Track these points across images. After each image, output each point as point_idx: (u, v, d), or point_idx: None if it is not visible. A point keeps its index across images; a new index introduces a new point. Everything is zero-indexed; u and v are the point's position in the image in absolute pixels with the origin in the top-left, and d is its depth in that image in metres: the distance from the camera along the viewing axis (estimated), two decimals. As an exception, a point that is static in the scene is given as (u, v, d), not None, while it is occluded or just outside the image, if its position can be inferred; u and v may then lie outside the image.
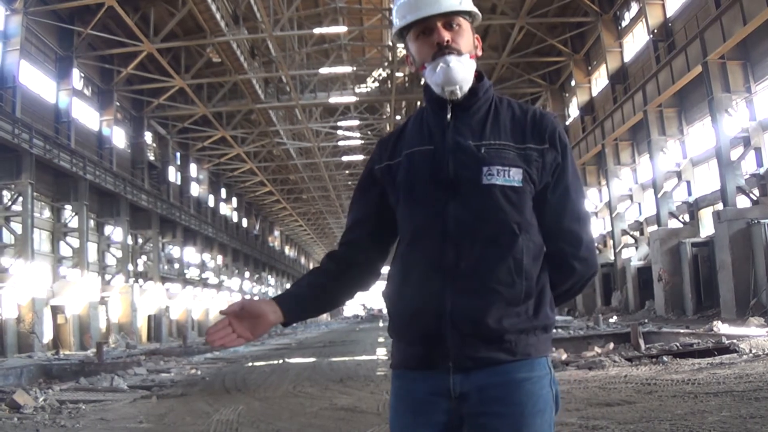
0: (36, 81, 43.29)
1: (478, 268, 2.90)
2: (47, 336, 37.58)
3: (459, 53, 3.04)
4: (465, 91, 3.06)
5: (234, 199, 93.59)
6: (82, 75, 50.52)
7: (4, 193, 38.83)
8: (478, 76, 3.14)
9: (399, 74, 58.98)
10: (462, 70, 3.02)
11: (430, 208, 3.01)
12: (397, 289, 3.10)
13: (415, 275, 3.01)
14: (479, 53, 3.17)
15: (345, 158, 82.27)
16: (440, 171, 3.01)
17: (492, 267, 2.89)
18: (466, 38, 3.09)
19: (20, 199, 37.77)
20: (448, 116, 3.09)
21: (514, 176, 2.93)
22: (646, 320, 32.56)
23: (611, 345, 21.19)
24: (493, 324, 2.85)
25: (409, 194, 3.08)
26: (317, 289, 3.27)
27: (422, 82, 3.40)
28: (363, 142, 77.03)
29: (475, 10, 3.13)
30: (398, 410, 3.12)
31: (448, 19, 3.07)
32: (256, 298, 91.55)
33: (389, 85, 58.92)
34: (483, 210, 2.93)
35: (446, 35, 3.05)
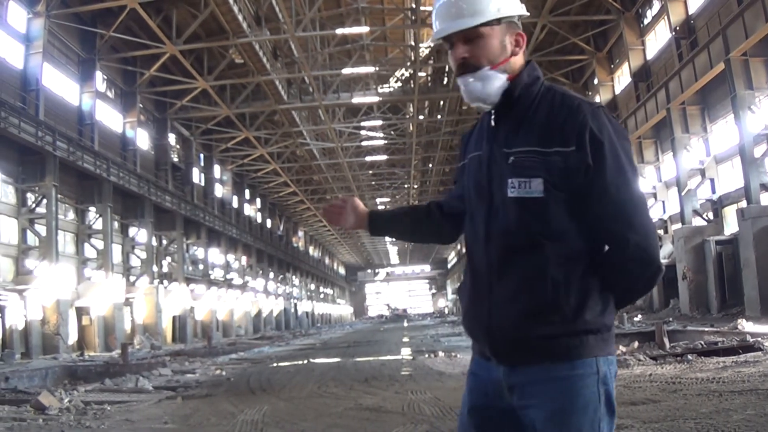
0: (59, 83, 43.47)
1: (509, 276, 3.01)
2: (72, 337, 37.81)
3: (476, 68, 3.10)
4: (494, 101, 3.14)
5: (258, 200, 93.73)
6: (105, 77, 50.70)
7: (29, 195, 38.95)
8: (519, 73, 3.17)
9: (422, 74, 59.09)
10: (480, 86, 3.11)
11: (475, 216, 3.18)
12: (462, 287, 3.31)
13: (469, 279, 3.23)
14: (517, 51, 3.19)
15: (368, 158, 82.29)
16: (482, 181, 3.15)
17: (520, 276, 2.98)
18: (489, 48, 3.12)
19: (44, 201, 37.98)
20: (493, 122, 3.18)
21: (534, 188, 2.97)
22: (670, 319, 32.43)
23: (636, 344, 21.14)
24: (523, 332, 2.95)
25: (468, 200, 3.28)
26: (417, 219, 3.66)
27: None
28: (386, 142, 77.09)
29: (499, 15, 3.13)
30: (467, 388, 3.31)
31: (466, 33, 3.11)
32: (281, 298, 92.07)
33: (412, 85, 58.84)
34: (509, 222, 3.02)
35: (463, 52, 3.12)
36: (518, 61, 3.19)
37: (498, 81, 3.11)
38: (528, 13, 3.35)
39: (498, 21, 3.12)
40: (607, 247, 3.04)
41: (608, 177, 2.95)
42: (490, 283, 3.04)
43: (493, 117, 3.17)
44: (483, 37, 3.10)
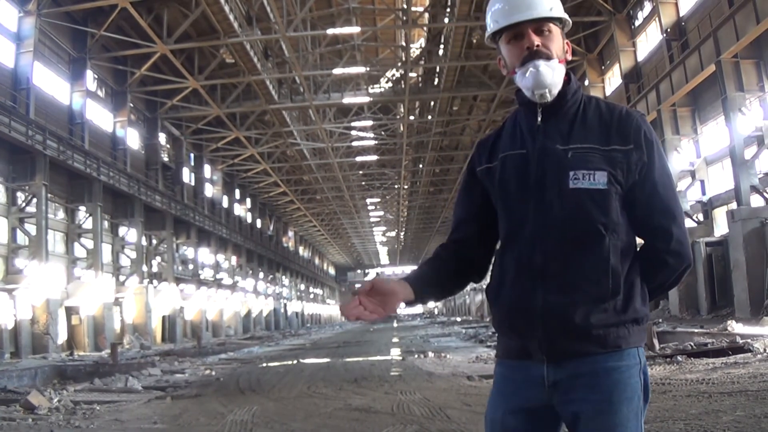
0: (49, 82, 43.41)
1: (566, 268, 3.05)
2: (62, 337, 37.75)
3: (548, 57, 3.16)
4: (554, 94, 3.18)
5: (248, 200, 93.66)
6: (96, 76, 50.62)
7: (19, 194, 38.89)
8: (567, 79, 3.25)
9: (412, 74, 59.02)
10: (551, 74, 3.14)
11: (520, 211, 3.17)
12: (495, 288, 3.26)
13: (510, 276, 3.19)
14: (569, 57, 3.31)
15: (359, 158, 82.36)
16: (530, 175, 3.15)
17: (579, 267, 3.03)
18: (557, 43, 3.22)
19: (34, 200, 37.92)
20: (539, 119, 3.21)
21: (599, 179, 3.04)
22: (660, 320, 32.53)
23: (625, 345, 21.13)
24: (580, 320, 2.99)
25: (505, 198, 3.25)
26: (438, 273, 3.44)
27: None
28: (377, 142, 77.23)
29: (565, 16, 3.28)
30: (495, 394, 3.30)
31: (539, 24, 3.19)
32: (271, 298, 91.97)
33: (403, 85, 58.76)
34: (570, 212, 3.06)
35: (536, 40, 3.17)
36: (564, 66, 3.27)
37: (562, 75, 3.21)
38: (570, 22, 3.41)
39: (561, 22, 3.27)
40: (642, 242, 3.18)
41: (657, 176, 3.10)
42: (543, 275, 3.07)
43: (539, 115, 3.22)
44: (552, 32, 3.22)
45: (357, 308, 3.09)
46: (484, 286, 3.46)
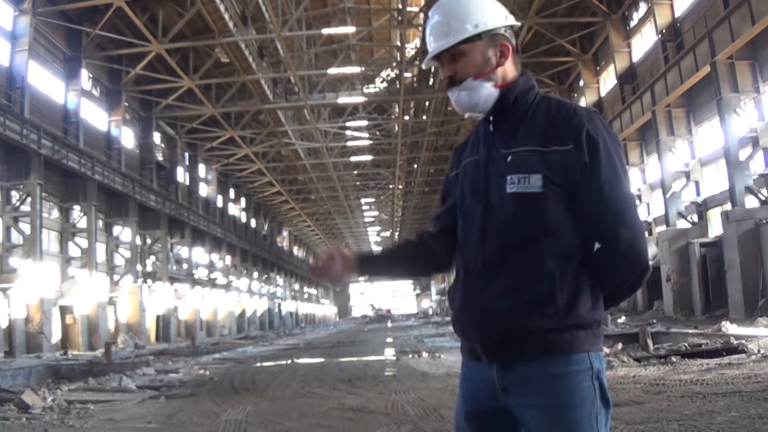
0: (44, 81, 43.31)
1: (504, 272, 3.09)
2: (56, 336, 37.63)
3: (461, 82, 3.25)
4: (483, 109, 3.26)
5: (242, 200, 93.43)
6: (91, 75, 50.55)
7: (13, 193, 38.87)
8: (512, 83, 3.28)
9: (407, 74, 59.06)
10: (466, 98, 3.26)
11: (470, 216, 3.25)
12: (452, 289, 3.38)
13: (461, 278, 3.30)
14: (501, 62, 3.29)
15: (353, 158, 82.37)
16: (479, 181, 3.23)
17: (517, 271, 3.06)
18: (470, 63, 3.26)
19: (29, 199, 37.86)
20: (491, 127, 3.28)
21: (533, 183, 3.06)
22: (654, 320, 32.51)
23: (620, 345, 21.18)
24: (517, 325, 3.02)
25: (462, 202, 3.35)
26: (397, 255, 3.71)
27: None
28: (371, 142, 77.20)
29: (476, 31, 3.24)
30: (460, 395, 3.40)
31: (452, 51, 3.27)
32: (265, 298, 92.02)
33: (398, 86, 58.78)
34: (507, 217, 3.10)
35: (448, 71, 3.31)
36: (509, 70, 3.30)
37: (483, 89, 3.23)
38: (518, 24, 3.45)
39: (479, 36, 3.24)
40: (597, 246, 3.13)
41: (602, 176, 3.06)
42: (484, 279, 3.11)
43: (491, 122, 3.27)
44: (464, 53, 3.26)
45: (320, 269, 3.50)
46: None
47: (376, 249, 3.85)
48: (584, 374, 3.00)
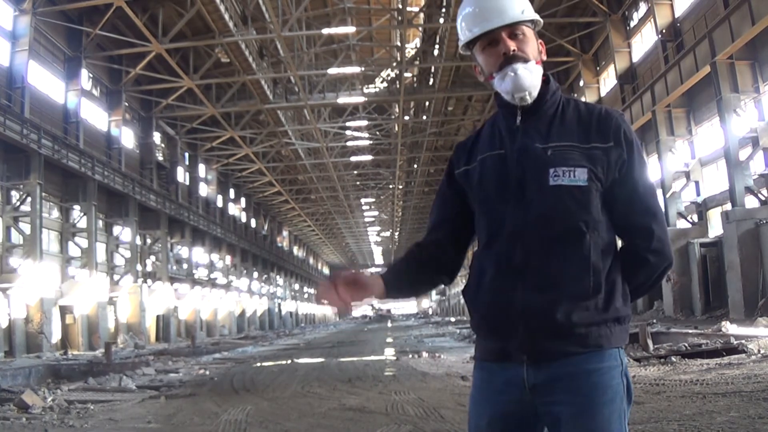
0: (45, 81, 43.33)
1: (547, 265, 3.05)
2: (56, 336, 37.65)
3: (525, 60, 3.18)
4: (534, 96, 3.21)
5: (242, 200, 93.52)
6: (91, 75, 50.57)
7: (13, 193, 38.89)
8: (546, 80, 3.26)
9: (407, 74, 59.11)
10: (529, 76, 3.16)
11: (500, 211, 3.18)
12: (474, 288, 3.27)
13: (489, 275, 3.19)
14: (544, 57, 3.30)
15: (353, 158, 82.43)
16: (509, 174, 3.17)
17: (560, 264, 3.04)
18: (531, 46, 3.23)
19: (29, 199, 37.88)
20: (518, 120, 3.22)
21: (579, 176, 3.05)
22: (654, 320, 32.45)
23: (620, 345, 21.13)
24: (562, 318, 2.99)
25: (484, 198, 3.28)
26: (411, 272, 3.50)
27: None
28: (371, 142, 77.25)
29: (536, 17, 3.28)
30: (477, 399, 3.29)
31: (513, 29, 3.21)
32: (265, 298, 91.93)
33: (398, 86, 58.75)
34: (550, 210, 3.07)
35: (512, 45, 3.20)
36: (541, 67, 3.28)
37: (540, 76, 3.22)
38: (542, 22, 3.42)
39: (533, 23, 3.27)
40: (622, 241, 3.19)
41: (636, 174, 3.13)
42: (522, 274, 3.07)
43: (519, 115, 3.23)
44: (526, 34, 3.23)
45: (330, 294, 3.26)
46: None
47: (391, 270, 3.53)
48: (616, 370, 3.02)
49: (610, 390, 2.97)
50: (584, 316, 2.98)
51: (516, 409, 3.11)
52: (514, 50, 3.17)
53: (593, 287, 2.99)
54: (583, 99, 39.34)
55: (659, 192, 41.38)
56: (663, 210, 3.08)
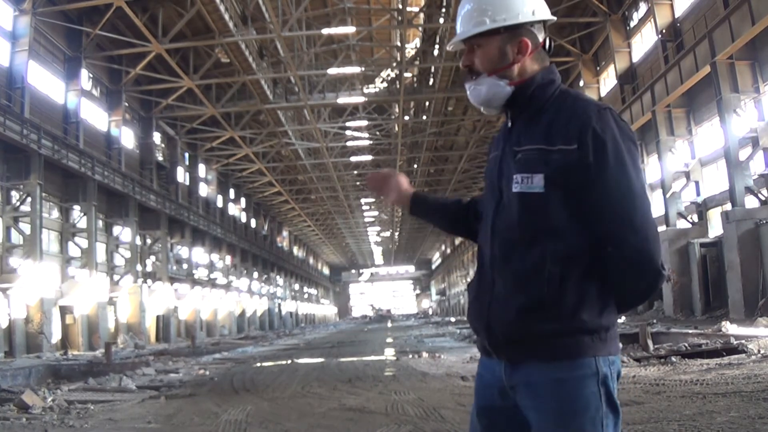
0: (44, 81, 43.30)
1: (508, 272, 3.07)
2: (56, 336, 37.64)
3: (477, 76, 3.23)
4: (496, 106, 3.25)
5: (242, 200, 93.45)
6: (91, 75, 50.56)
7: (13, 193, 38.86)
8: (530, 79, 3.22)
9: (407, 74, 59.09)
10: (478, 92, 3.23)
11: (488, 211, 3.27)
12: (471, 283, 3.35)
13: (476, 274, 3.31)
14: (518, 58, 3.21)
15: (353, 159, 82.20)
16: (494, 178, 3.25)
17: (518, 271, 3.04)
18: (487, 56, 3.21)
19: (29, 199, 37.86)
20: (509, 123, 3.27)
21: (536, 183, 3.02)
22: (654, 320, 32.44)
23: (620, 345, 21.13)
24: (522, 326, 2.99)
25: (482, 199, 3.41)
26: (447, 208, 3.82)
27: None
28: (371, 142, 77.18)
29: (494, 25, 3.19)
30: (475, 389, 3.42)
31: (470, 42, 3.24)
32: (265, 298, 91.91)
33: (398, 86, 58.66)
34: (511, 216, 3.09)
35: (466, 60, 3.29)
36: (528, 65, 3.23)
37: (496, 87, 3.19)
38: (552, 18, 3.41)
39: (498, 31, 3.18)
40: (606, 248, 3.05)
41: (609, 177, 2.95)
42: (493, 278, 3.11)
43: (509, 118, 3.26)
44: (482, 45, 3.21)
45: (383, 179, 3.85)
46: None
47: (432, 196, 3.88)
48: (589, 380, 2.94)
49: (580, 400, 2.93)
50: (545, 327, 2.96)
51: (501, 404, 3.17)
52: (466, 66, 3.26)
53: (551, 297, 2.95)
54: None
55: (659, 192, 41.42)
56: (648, 215, 2.71)
